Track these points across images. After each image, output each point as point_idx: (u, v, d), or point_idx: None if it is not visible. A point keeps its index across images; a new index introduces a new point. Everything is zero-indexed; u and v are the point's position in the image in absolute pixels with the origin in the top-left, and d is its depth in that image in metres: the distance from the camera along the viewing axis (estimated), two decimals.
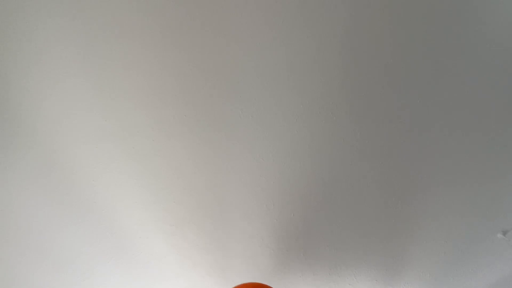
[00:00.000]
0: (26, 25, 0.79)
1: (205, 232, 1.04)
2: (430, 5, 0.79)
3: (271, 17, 0.80)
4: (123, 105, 0.88)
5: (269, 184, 0.97)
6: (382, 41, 0.82)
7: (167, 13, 0.80)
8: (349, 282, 1.13)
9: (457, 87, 0.86)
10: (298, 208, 1.01)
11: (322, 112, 0.89)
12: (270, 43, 0.82)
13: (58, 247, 1.03)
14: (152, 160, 0.94)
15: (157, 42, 0.82)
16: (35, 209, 0.97)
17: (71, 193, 0.96)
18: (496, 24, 0.79)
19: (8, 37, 0.80)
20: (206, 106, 0.88)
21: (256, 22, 0.81)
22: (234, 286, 0.83)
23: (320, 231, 1.04)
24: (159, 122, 0.90)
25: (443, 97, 0.87)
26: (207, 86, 0.87)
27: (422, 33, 0.81)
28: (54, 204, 0.97)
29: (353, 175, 0.97)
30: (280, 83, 0.86)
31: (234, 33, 0.81)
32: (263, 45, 0.83)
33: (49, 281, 1.08)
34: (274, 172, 0.96)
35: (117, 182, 0.96)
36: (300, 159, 0.94)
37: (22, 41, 0.81)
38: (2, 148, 0.89)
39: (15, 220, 0.98)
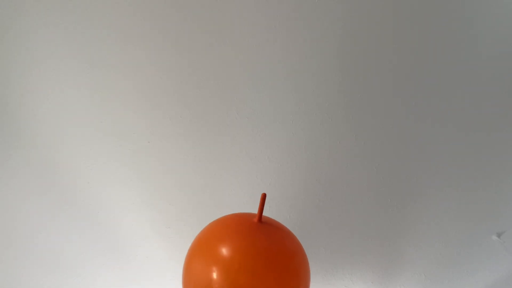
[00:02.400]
0: (26, 26, 0.80)
1: None
2: (428, 6, 0.80)
3: (267, 19, 0.81)
4: (119, 107, 0.88)
5: (265, 185, 0.98)
6: (379, 43, 0.83)
7: (162, 15, 0.80)
8: (345, 284, 1.13)
9: (455, 89, 0.87)
10: (294, 210, 1.01)
11: (318, 113, 0.90)
12: (266, 44, 0.83)
13: (53, 248, 1.03)
14: (148, 161, 0.94)
15: (153, 43, 0.83)
16: (30, 210, 0.97)
17: (66, 195, 0.96)
18: (498, 22, 0.80)
19: (7, 38, 0.81)
20: (202, 107, 0.89)
21: (253, 24, 0.81)
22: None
23: (316, 233, 1.04)
24: (155, 123, 0.90)
25: (440, 100, 0.88)
26: (203, 88, 0.87)
27: (420, 34, 0.82)
28: (49, 205, 0.97)
29: (349, 177, 0.97)
30: (276, 84, 0.87)
31: (230, 34, 0.82)
32: (259, 46, 0.83)
33: (43, 281, 1.07)
34: (270, 173, 0.96)
35: (113, 183, 0.96)
36: (296, 160, 0.95)
37: (21, 43, 0.81)
38: None
39: (11, 220, 0.98)
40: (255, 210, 1.01)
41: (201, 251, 0.67)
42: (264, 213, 1.01)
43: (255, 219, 0.69)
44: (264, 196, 0.68)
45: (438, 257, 1.08)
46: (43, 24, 0.80)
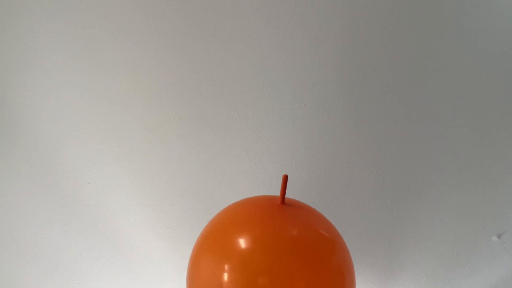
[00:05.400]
0: (25, 27, 0.80)
1: None
2: (428, 5, 0.80)
3: (267, 20, 0.81)
4: (119, 107, 0.88)
5: (265, 186, 0.98)
6: (379, 43, 0.83)
7: (162, 16, 0.80)
8: None
9: (453, 89, 0.87)
10: None
11: (318, 114, 0.90)
12: (266, 45, 0.83)
13: (52, 249, 1.03)
14: (148, 163, 0.94)
15: (153, 44, 0.83)
16: (30, 211, 0.97)
17: (66, 195, 0.96)
18: (498, 23, 0.80)
19: (6, 38, 0.81)
20: (202, 108, 0.89)
21: (252, 25, 0.81)
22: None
23: None
24: (155, 124, 0.90)
25: (439, 100, 0.88)
26: (203, 89, 0.87)
27: (420, 34, 0.82)
28: (49, 205, 0.97)
29: (349, 178, 0.97)
30: (276, 85, 0.87)
31: (230, 35, 0.82)
32: (259, 48, 0.83)
33: (42, 282, 1.07)
34: (270, 174, 0.96)
35: (113, 184, 0.96)
36: (295, 161, 0.95)
37: (20, 44, 0.81)
38: None
39: (10, 221, 0.98)
40: None
41: (209, 244, 0.52)
42: None
43: (278, 201, 0.54)
44: (285, 178, 0.54)
45: (438, 258, 1.08)
46: (43, 25, 0.80)
